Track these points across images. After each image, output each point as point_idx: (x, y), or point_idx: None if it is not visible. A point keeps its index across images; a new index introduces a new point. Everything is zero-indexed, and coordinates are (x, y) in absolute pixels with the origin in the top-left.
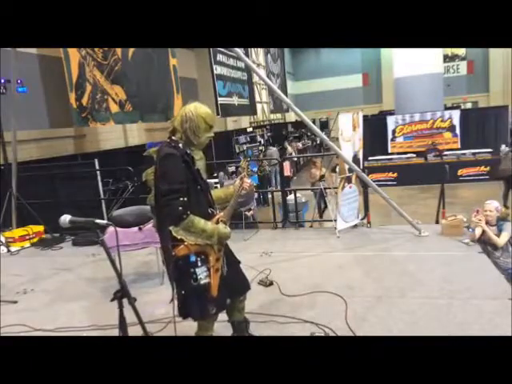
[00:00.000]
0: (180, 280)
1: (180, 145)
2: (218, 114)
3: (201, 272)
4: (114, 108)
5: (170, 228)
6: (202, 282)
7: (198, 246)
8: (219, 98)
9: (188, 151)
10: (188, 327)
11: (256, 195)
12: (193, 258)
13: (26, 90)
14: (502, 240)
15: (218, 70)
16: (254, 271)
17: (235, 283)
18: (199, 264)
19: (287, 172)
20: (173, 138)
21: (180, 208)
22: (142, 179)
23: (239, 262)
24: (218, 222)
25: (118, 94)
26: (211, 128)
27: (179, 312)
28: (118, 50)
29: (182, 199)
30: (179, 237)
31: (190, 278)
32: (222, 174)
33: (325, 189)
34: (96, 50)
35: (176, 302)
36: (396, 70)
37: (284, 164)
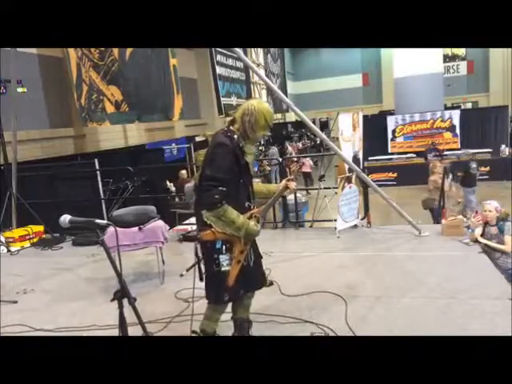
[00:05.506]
0: (205, 263)
1: (235, 136)
2: (221, 114)
3: (224, 259)
4: (110, 108)
5: (202, 212)
6: (223, 268)
7: (224, 235)
8: None
9: (241, 144)
10: (187, 327)
11: None
12: (218, 245)
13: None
14: (508, 246)
15: (217, 70)
16: None
17: (254, 277)
18: (224, 251)
19: (307, 168)
20: (231, 127)
21: (216, 196)
22: (142, 179)
23: (262, 257)
24: (251, 217)
25: (113, 95)
26: (269, 127)
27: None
28: (115, 51)
29: (221, 188)
30: (208, 222)
31: (213, 262)
32: None
33: (324, 188)
34: (92, 50)
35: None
36: (396, 70)
37: (304, 160)
